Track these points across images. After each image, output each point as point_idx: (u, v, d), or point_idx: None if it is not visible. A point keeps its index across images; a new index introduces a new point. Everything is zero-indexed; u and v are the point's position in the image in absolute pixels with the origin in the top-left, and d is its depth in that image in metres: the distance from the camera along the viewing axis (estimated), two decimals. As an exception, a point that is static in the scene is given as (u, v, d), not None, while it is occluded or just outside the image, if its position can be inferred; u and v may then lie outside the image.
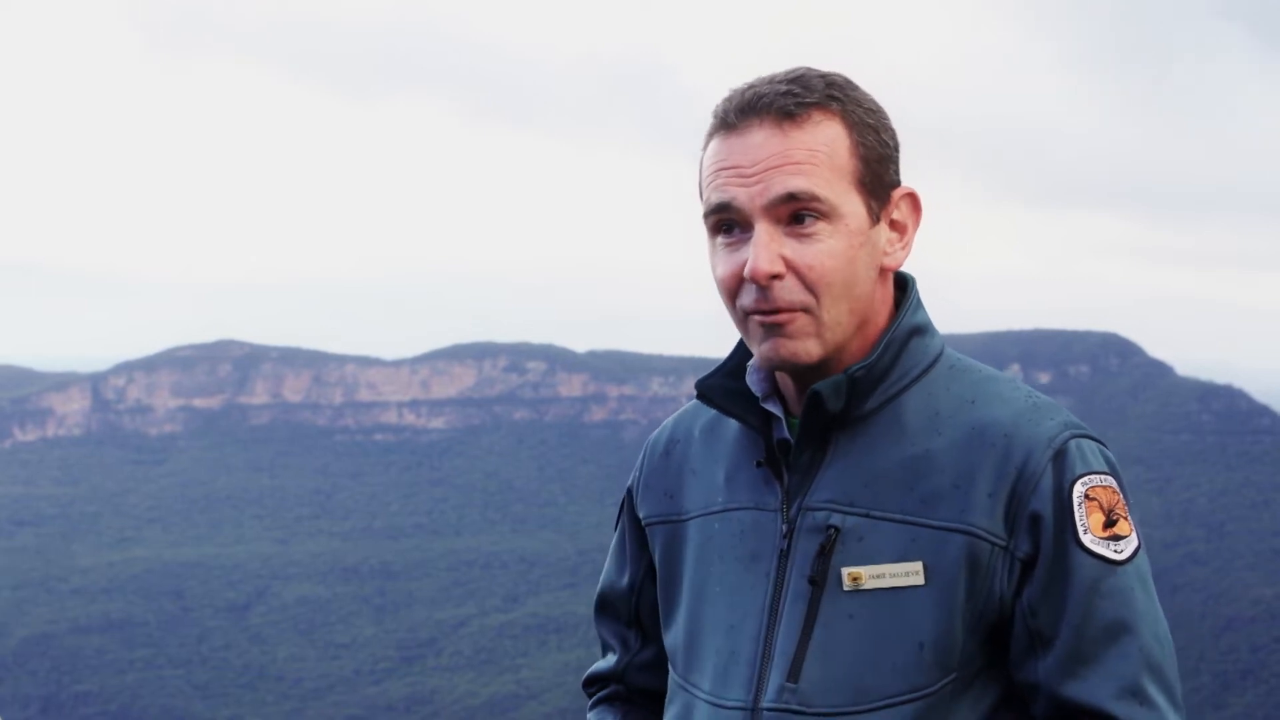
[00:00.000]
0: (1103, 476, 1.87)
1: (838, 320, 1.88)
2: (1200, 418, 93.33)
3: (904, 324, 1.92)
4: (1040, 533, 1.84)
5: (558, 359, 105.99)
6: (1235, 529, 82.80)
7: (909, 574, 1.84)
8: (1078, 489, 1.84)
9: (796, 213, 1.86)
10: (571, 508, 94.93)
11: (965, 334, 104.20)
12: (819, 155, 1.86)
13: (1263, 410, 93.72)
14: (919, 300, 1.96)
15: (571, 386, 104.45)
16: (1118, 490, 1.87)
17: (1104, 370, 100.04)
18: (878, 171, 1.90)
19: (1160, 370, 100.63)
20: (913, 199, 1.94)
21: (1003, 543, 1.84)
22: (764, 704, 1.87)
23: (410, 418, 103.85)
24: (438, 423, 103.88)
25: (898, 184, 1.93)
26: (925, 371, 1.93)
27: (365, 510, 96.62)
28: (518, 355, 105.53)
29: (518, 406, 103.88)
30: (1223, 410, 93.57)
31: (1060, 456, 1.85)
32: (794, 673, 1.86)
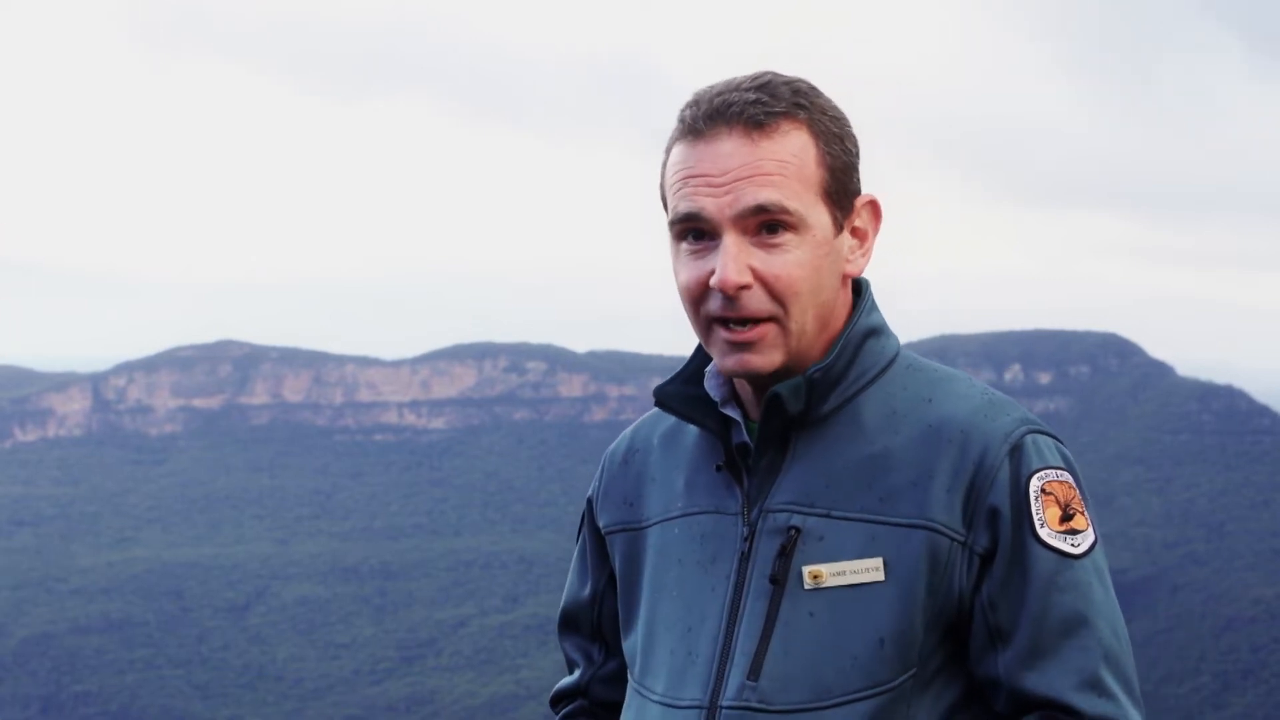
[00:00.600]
0: (1059, 472, 1.89)
1: (803, 329, 1.90)
2: (1200, 418, 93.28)
3: (859, 326, 1.94)
4: (998, 527, 1.86)
5: (558, 359, 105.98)
6: (1235, 529, 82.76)
7: (869, 570, 1.86)
8: (1035, 483, 1.86)
9: (765, 223, 1.87)
10: (571, 508, 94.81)
11: (965, 334, 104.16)
12: (788, 166, 1.87)
13: (1263, 410, 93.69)
14: (874, 303, 1.98)
15: (571, 387, 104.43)
16: (1074, 486, 1.89)
17: (1104, 370, 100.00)
18: (843, 181, 1.92)
19: (1160, 370, 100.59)
20: (874, 206, 1.96)
21: (961, 538, 1.86)
22: (723, 702, 1.88)
23: (410, 418, 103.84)
24: (438, 423, 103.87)
25: (859, 192, 1.95)
26: (882, 372, 1.95)
27: (365, 510, 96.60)
28: (518, 355, 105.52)
29: (518, 407, 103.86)
30: (1223, 410, 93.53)
31: (1017, 451, 1.87)
32: (754, 670, 1.87)
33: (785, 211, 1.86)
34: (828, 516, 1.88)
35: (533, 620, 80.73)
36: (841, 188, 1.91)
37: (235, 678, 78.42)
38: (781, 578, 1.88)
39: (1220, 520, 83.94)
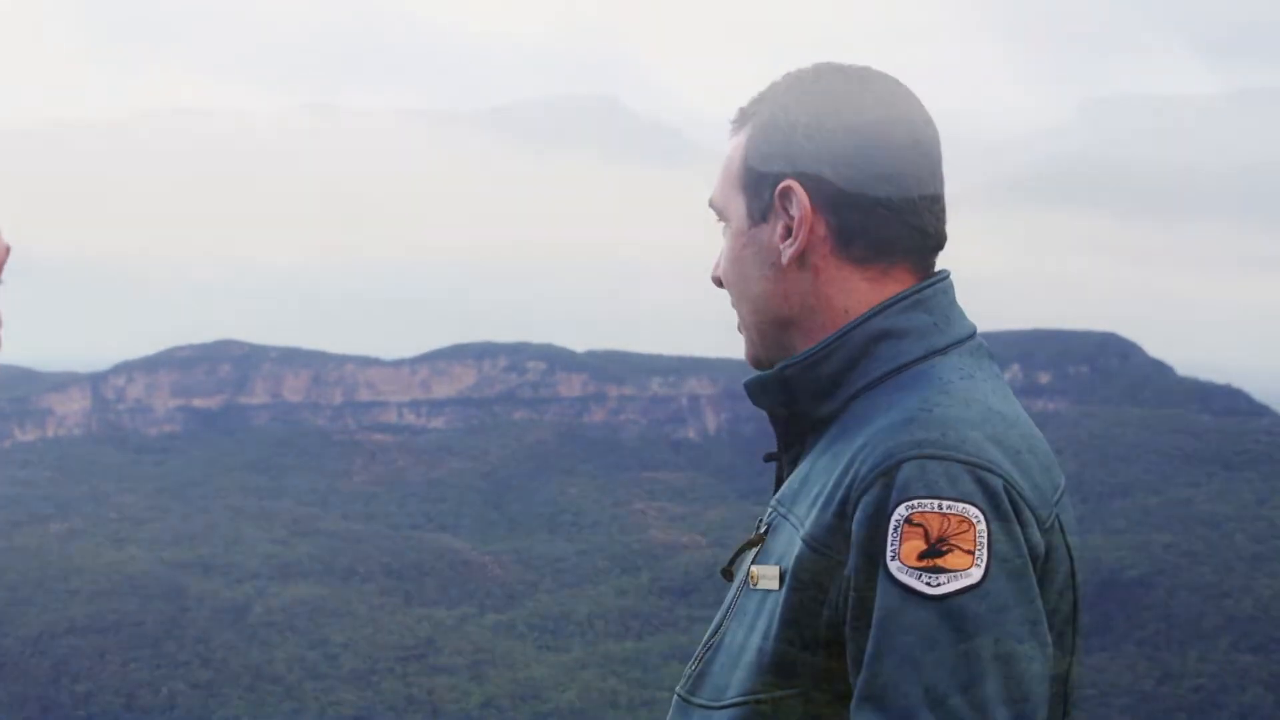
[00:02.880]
0: (943, 503, 1.68)
1: (746, 321, 1.93)
2: (1200, 418, 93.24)
3: (868, 327, 1.85)
4: (857, 553, 1.74)
5: (557, 359, 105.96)
6: (1235, 529, 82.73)
7: (770, 578, 1.83)
8: (900, 511, 1.69)
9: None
10: (571, 508, 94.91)
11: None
12: (725, 164, 1.95)
13: (1263, 410, 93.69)
14: (905, 305, 1.86)
15: (571, 386, 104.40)
16: (970, 521, 1.68)
17: (1104, 370, 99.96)
18: (758, 169, 1.89)
19: (1160, 370, 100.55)
20: (788, 191, 1.86)
21: (840, 557, 1.76)
22: (678, 689, 1.94)
23: (410, 418, 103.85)
24: (437, 423, 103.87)
25: (782, 178, 1.87)
26: (888, 376, 1.85)
27: (365, 510, 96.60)
28: (517, 355, 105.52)
29: (517, 406, 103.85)
30: (1223, 410, 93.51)
31: (891, 473, 1.72)
32: (698, 661, 1.93)
33: (711, 206, 1.95)
34: (785, 519, 1.88)
35: (532, 620, 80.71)
36: (758, 177, 1.88)
37: (235, 678, 78.40)
38: (735, 574, 1.93)
39: (1220, 520, 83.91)
